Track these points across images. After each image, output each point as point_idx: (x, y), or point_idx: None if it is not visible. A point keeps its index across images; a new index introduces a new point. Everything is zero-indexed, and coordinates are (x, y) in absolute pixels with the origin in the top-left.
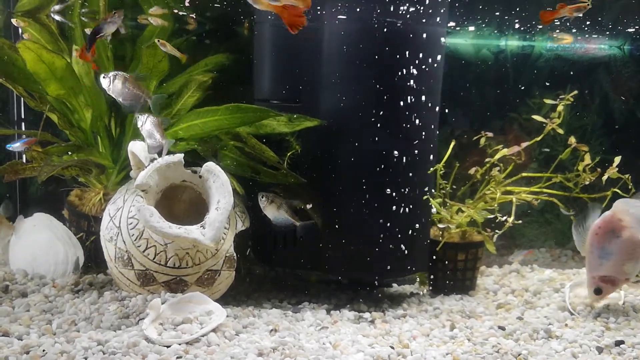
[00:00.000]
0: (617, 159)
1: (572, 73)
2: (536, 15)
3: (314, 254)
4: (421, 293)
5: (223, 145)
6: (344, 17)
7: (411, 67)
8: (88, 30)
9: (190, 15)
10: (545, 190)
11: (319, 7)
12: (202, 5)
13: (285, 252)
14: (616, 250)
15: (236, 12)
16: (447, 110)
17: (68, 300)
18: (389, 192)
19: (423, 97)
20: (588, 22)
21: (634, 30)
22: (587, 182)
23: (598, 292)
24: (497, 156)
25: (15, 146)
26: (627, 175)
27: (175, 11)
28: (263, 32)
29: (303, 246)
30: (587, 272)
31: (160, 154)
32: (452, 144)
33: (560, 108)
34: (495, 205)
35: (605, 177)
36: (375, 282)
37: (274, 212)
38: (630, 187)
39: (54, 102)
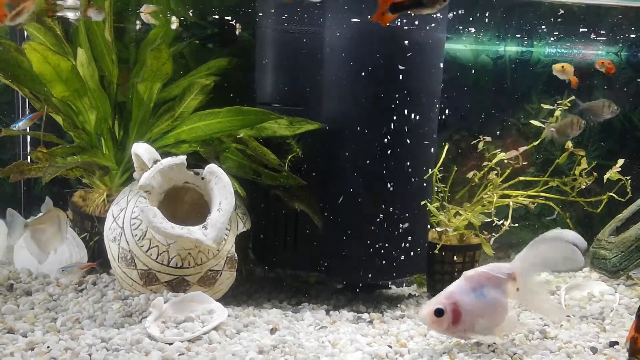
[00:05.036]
0: (620, 161)
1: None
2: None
3: (313, 255)
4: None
5: (225, 147)
6: (345, 21)
7: (412, 71)
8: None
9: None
10: (542, 194)
11: (320, 12)
12: (204, 9)
13: (285, 254)
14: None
15: (238, 16)
16: (446, 115)
17: (72, 298)
18: (388, 195)
19: (424, 102)
20: (585, 29)
21: (629, 37)
22: (583, 186)
23: (440, 313)
24: (495, 160)
25: (20, 125)
26: (626, 178)
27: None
28: (265, 36)
29: (303, 248)
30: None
31: None
32: (446, 147)
33: (557, 113)
34: (492, 208)
35: (606, 176)
36: (374, 283)
37: None
38: (628, 189)
39: (59, 104)
